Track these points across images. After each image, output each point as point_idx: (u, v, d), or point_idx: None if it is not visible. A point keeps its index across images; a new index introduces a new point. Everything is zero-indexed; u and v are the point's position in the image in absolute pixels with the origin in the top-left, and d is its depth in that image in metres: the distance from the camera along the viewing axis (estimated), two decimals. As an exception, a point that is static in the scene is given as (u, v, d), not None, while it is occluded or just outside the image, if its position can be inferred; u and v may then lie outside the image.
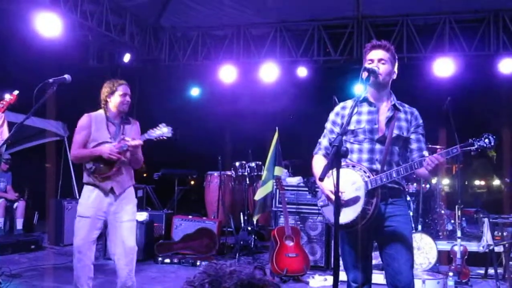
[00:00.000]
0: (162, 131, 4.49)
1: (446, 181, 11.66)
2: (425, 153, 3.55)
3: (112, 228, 4.53)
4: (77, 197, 9.01)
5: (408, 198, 7.88)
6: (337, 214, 2.90)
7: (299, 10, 9.28)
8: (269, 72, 9.76)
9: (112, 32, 9.03)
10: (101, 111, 4.69)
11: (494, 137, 3.18)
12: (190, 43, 10.29)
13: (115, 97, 4.65)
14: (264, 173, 7.21)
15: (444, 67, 8.98)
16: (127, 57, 9.62)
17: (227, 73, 9.99)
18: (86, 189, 4.57)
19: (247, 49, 10.05)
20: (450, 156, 3.26)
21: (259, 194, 7.12)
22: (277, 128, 7.20)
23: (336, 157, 2.90)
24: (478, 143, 3.20)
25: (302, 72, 9.79)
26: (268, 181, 7.13)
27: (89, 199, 4.51)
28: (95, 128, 4.60)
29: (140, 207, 7.07)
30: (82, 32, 8.71)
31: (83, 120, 4.65)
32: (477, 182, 18.73)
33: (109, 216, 4.52)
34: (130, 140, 4.50)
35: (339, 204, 2.91)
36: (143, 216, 7.31)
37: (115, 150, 4.47)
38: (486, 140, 3.19)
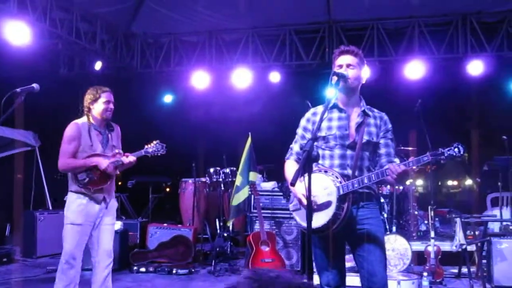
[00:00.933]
0: (157, 148, 4.63)
1: (420, 182, 11.81)
2: (397, 160, 3.61)
3: (95, 231, 4.61)
4: (50, 208, 8.90)
5: (382, 200, 7.98)
6: (309, 218, 2.92)
7: (271, 15, 9.34)
8: (242, 77, 9.78)
9: (83, 40, 8.94)
10: (85, 119, 4.70)
11: (463, 146, 3.27)
12: (162, 50, 10.26)
13: (99, 104, 4.67)
14: (239, 179, 7.20)
15: (414, 69, 9.11)
16: (98, 65, 9.54)
17: (200, 79, 9.98)
18: (76, 196, 4.58)
19: (220, 55, 10.06)
20: (421, 164, 3.34)
21: (237, 200, 7.13)
22: (250, 133, 7.23)
23: (307, 162, 2.93)
24: (448, 152, 3.28)
25: (274, 77, 9.83)
26: (244, 186, 7.13)
27: (81, 207, 4.55)
28: (83, 137, 4.62)
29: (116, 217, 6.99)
30: (52, 40, 8.62)
31: (72, 129, 4.63)
32: (450, 183, 19.00)
33: (96, 220, 4.61)
34: (123, 157, 4.60)
35: (311, 208, 2.93)
36: (117, 225, 7.24)
37: (112, 166, 4.57)
38: (456, 150, 3.27)
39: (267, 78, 9.86)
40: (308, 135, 3.58)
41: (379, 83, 9.25)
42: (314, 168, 3.52)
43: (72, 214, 4.55)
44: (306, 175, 2.93)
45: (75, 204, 4.56)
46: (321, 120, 3.27)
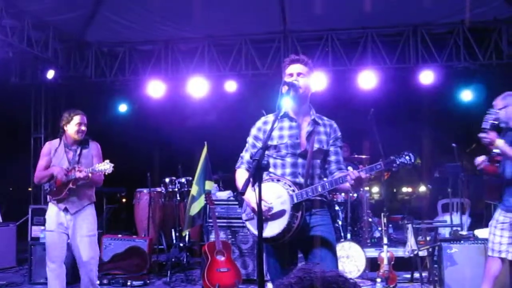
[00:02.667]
0: (105, 167, 5.07)
1: (375, 190, 12.00)
2: (350, 168, 3.68)
3: (72, 243, 5.26)
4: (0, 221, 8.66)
5: (337, 208, 8.07)
6: (260, 227, 2.94)
7: (227, 25, 9.35)
8: (197, 86, 9.75)
9: (35, 48, 8.75)
10: (57, 139, 5.39)
11: (414, 154, 3.36)
12: (117, 59, 10.14)
13: (71, 126, 5.29)
14: (195, 188, 7.17)
15: (367, 79, 9.27)
16: (50, 74, 9.35)
17: (155, 89, 9.90)
18: (49, 205, 5.33)
19: (176, 64, 10.01)
20: (374, 171, 3.41)
21: (193, 210, 7.08)
22: (205, 143, 7.21)
23: (257, 171, 2.94)
24: (400, 160, 3.37)
25: (230, 86, 9.85)
26: (200, 196, 7.10)
27: (51, 215, 5.26)
28: (54, 155, 5.32)
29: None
30: (2, 48, 8.40)
31: (44, 147, 5.43)
32: (405, 189, 19.33)
33: (69, 230, 5.23)
34: (77, 172, 5.11)
35: (261, 217, 2.94)
36: (70, 237, 7.09)
37: (64, 172, 5.17)
38: (407, 157, 3.37)
39: (223, 87, 9.87)
40: (259, 144, 3.61)
41: (333, 92, 9.41)
42: (266, 177, 3.56)
43: (47, 221, 5.29)
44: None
45: (48, 213, 5.29)
46: (272, 129, 3.29)
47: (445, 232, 7.64)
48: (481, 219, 7.52)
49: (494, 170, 5.12)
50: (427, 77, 9.18)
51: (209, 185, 7.12)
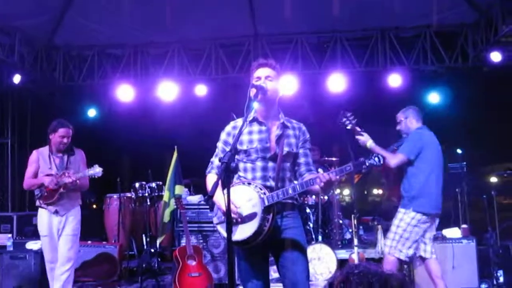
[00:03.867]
0: (95, 171, 5.61)
1: (346, 192, 12.09)
2: (320, 170, 3.73)
3: (58, 241, 5.65)
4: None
5: (308, 210, 8.12)
6: (229, 229, 2.94)
7: (196, 29, 9.31)
8: (167, 91, 9.71)
9: (0, 53, 8.59)
10: (47, 146, 5.79)
11: (382, 156, 3.43)
12: (86, 62, 10.02)
13: (55, 137, 5.71)
14: (167, 194, 7.14)
15: (337, 82, 9.35)
16: (17, 78, 9.18)
17: (125, 93, 9.82)
18: (39, 211, 5.71)
19: (145, 68, 9.95)
20: (344, 173, 3.45)
21: (167, 216, 7.05)
22: (176, 147, 7.19)
23: (226, 173, 2.96)
24: (369, 161, 3.43)
25: (201, 90, 9.82)
26: (170, 200, 7.08)
27: (43, 219, 5.68)
28: (42, 162, 5.72)
29: (35, 235, 6.75)
30: (-33, 53, 8.24)
31: (32, 155, 5.81)
32: (375, 191, 19.55)
33: (59, 231, 5.66)
34: (66, 178, 5.54)
35: (230, 220, 2.95)
36: (37, 244, 6.93)
37: (54, 182, 5.56)
38: (376, 159, 3.44)
39: (193, 91, 9.84)
40: (228, 149, 3.61)
41: (303, 96, 9.46)
42: (237, 181, 3.57)
43: (39, 226, 5.72)
44: (230, 187, 2.97)
45: (40, 217, 5.70)
46: (240, 133, 3.31)
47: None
48: (449, 217, 7.64)
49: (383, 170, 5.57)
50: (395, 80, 9.31)
51: (180, 189, 7.09)
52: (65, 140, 5.72)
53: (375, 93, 9.74)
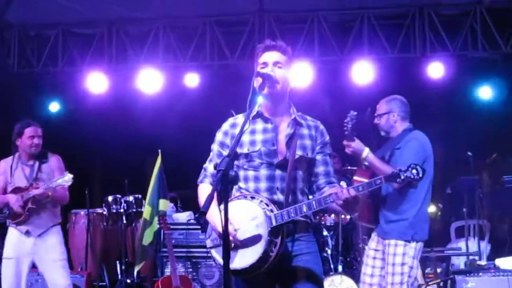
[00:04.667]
0: (63, 179, 5.69)
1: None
2: (343, 183, 3.69)
3: (43, 270, 5.94)
4: None
5: (325, 233, 8.08)
6: (225, 256, 2.93)
7: (187, 3, 9.33)
8: (150, 80, 9.70)
9: None
10: (14, 155, 5.99)
11: (422, 168, 3.39)
12: (47, 45, 10.02)
13: (23, 141, 5.90)
14: (147, 209, 7.14)
15: (363, 72, 9.32)
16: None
17: (96, 83, 9.82)
18: (9, 230, 5.92)
19: (122, 52, 9.94)
20: (374, 189, 3.42)
21: (148, 238, 7.04)
22: (159, 151, 7.17)
23: (223, 184, 2.93)
24: (405, 175, 3.38)
25: (192, 80, 9.81)
26: (153, 219, 7.07)
27: (11, 240, 5.85)
28: (10, 173, 5.93)
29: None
30: None
31: None
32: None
33: (36, 256, 5.87)
34: (34, 189, 5.68)
35: (228, 243, 2.94)
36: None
37: (19, 203, 5.69)
38: (414, 171, 3.39)
39: (182, 81, 9.84)
40: (226, 152, 3.58)
41: (320, 89, 9.43)
42: (237, 193, 3.55)
43: (5, 248, 5.86)
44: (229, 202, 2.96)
45: (7, 238, 5.88)
46: (241, 133, 3.28)
47: (459, 262, 7.72)
48: (503, 245, 7.61)
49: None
50: (436, 69, 9.27)
51: (164, 204, 7.09)
52: (36, 140, 5.92)
53: (411, 85, 9.68)
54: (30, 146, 5.90)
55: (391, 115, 5.50)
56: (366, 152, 5.16)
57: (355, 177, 5.37)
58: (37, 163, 5.98)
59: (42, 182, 5.81)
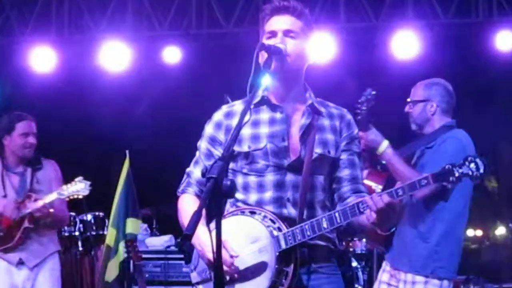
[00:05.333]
0: (77, 187, 5.74)
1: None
2: (376, 188, 3.64)
3: None
4: None
5: (355, 264, 8.09)
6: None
7: None
8: (114, 56, 9.74)
9: None
10: None
11: (483, 160, 3.33)
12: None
13: (13, 138, 5.89)
14: (111, 233, 7.14)
15: (406, 43, 9.32)
16: None
17: (42, 59, 9.88)
18: None
19: (77, 18, 9.98)
20: (417, 192, 3.40)
21: (112, 271, 7.06)
22: (127, 152, 7.18)
23: (215, 196, 2.92)
24: (460, 170, 3.33)
25: (171, 54, 9.83)
26: (119, 245, 7.08)
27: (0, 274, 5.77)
28: (2, 183, 5.90)
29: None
30: None
31: None
32: (470, 233, 19.44)
33: None
34: (31, 203, 5.60)
35: (221, 276, 2.93)
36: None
37: (11, 209, 5.66)
38: (472, 166, 3.32)
39: (160, 56, 9.87)
40: (219, 151, 3.59)
41: (346, 66, 9.44)
42: (232, 207, 3.54)
43: None
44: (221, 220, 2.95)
45: None
46: (240, 125, 3.24)
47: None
48: None
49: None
50: (505, 39, 9.27)
51: (134, 226, 7.09)
52: (30, 139, 5.93)
53: (471, 62, 9.72)
54: (23, 146, 5.89)
55: (429, 105, 5.40)
56: (384, 145, 5.07)
57: (364, 181, 5.27)
58: (29, 170, 5.98)
59: (40, 194, 5.76)
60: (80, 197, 5.85)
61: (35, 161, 6.00)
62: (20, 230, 5.62)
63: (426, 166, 4.99)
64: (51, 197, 5.63)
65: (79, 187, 5.73)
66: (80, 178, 5.79)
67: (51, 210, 5.66)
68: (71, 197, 5.80)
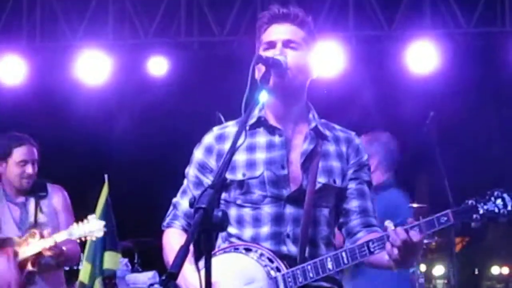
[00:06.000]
0: (90, 227, 5.46)
1: (439, 271, 12.10)
2: (390, 225, 3.59)
3: None
4: None
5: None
6: None
7: None
8: (92, 66, 9.76)
9: None
10: None
11: None
12: None
13: (9, 166, 5.71)
14: (86, 268, 7.15)
15: (423, 55, 9.34)
16: None
17: (10, 70, 9.88)
18: None
19: (51, 24, 10.01)
20: (437, 230, 3.38)
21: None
22: (106, 176, 7.18)
23: (204, 230, 2.90)
24: (484, 207, 3.32)
25: (157, 65, 9.85)
26: (95, 282, 7.08)
27: None
28: None
29: None
30: None
31: None
32: (496, 270, 19.41)
33: None
34: (39, 242, 5.33)
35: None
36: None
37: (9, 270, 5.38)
38: (499, 202, 3.31)
39: (143, 67, 9.89)
40: (209, 179, 3.57)
41: (355, 80, 9.45)
42: (224, 244, 3.53)
43: None
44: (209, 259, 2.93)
45: None
46: (234, 149, 3.22)
47: None
48: None
49: None
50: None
51: (112, 260, 7.10)
52: (29, 169, 5.71)
53: (497, 74, 9.73)
54: (20, 176, 5.69)
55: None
56: None
57: None
58: (32, 201, 5.74)
59: (48, 229, 5.49)
60: (94, 239, 5.71)
61: (39, 188, 5.78)
62: (24, 275, 5.42)
63: None
64: (60, 237, 5.36)
65: (93, 227, 5.46)
66: (93, 216, 5.59)
67: (64, 248, 5.40)
68: (83, 239, 5.58)
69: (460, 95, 8.93)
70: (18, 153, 5.66)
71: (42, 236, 5.33)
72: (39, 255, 5.33)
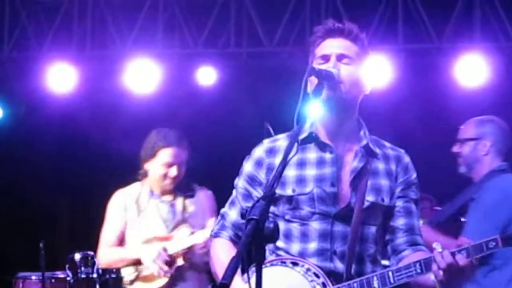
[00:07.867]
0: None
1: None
2: (437, 247, 3.57)
3: None
4: None
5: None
6: None
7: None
8: (142, 76, 9.80)
9: None
10: (136, 184, 6.21)
11: None
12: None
13: (154, 165, 5.96)
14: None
15: (473, 68, 9.27)
16: None
17: (60, 78, 9.94)
18: None
19: (101, 32, 10.05)
20: (485, 254, 3.40)
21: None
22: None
23: (255, 242, 2.90)
24: None
25: (206, 75, 9.86)
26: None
27: None
28: (132, 213, 6.07)
29: None
30: None
31: (113, 201, 6.25)
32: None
33: None
34: (191, 237, 5.72)
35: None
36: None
37: (162, 259, 5.64)
38: None
39: (192, 77, 9.91)
40: (258, 192, 3.58)
41: (404, 93, 9.39)
42: (271, 256, 3.53)
43: None
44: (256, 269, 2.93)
45: None
46: (284, 164, 3.22)
47: None
48: None
49: None
50: None
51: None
52: (173, 171, 5.88)
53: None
54: (163, 178, 5.91)
55: (481, 144, 5.47)
56: None
57: None
58: (179, 199, 5.97)
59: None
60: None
61: (185, 187, 6.00)
62: (173, 268, 5.62)
63: (468, 225, 5.07)
64: (205, 234, 5.46)
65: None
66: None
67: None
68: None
69: (510, 109, 8.85)
70: (163, 155, 5.84)
71: (192, 233, 5.61)
72: (189, 250, 5.62)
